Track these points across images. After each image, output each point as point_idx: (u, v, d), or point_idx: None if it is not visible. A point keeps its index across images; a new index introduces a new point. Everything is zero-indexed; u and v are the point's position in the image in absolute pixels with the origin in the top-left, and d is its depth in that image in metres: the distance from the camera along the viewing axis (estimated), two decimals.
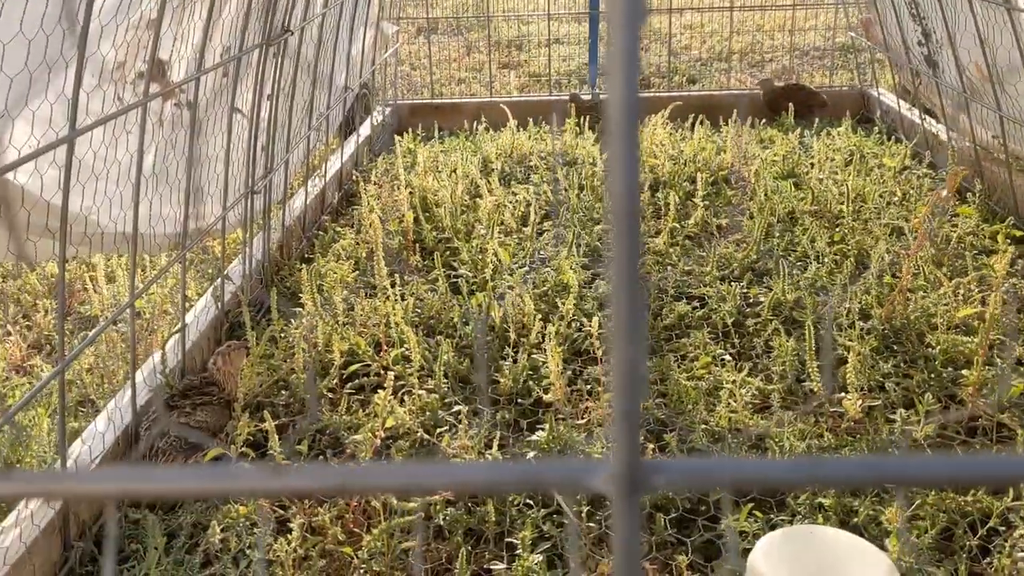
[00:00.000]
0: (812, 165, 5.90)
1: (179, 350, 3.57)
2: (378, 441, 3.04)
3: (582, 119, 7.05)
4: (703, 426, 3.26)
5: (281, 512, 2.97)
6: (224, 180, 3.91)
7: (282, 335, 3.92)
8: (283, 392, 3.59)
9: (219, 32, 3.53)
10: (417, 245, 5.04)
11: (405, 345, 3.68)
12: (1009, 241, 4.55)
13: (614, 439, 0.48)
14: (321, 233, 5.29)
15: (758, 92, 7.54)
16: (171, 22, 3.05)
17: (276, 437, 2.93)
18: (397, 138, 7.15)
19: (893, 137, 6.70)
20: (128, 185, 2.95)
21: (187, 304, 4.20)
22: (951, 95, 5.74)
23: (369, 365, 3.73)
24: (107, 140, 2.76)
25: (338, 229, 5.31)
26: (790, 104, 7.11)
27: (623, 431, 0.47)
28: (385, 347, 3.87)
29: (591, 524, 2.84)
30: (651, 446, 3.17)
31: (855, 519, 2.79)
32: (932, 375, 3.51)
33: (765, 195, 5.28)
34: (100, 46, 2.60)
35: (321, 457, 3.25)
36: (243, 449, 3.03)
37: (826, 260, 4.45)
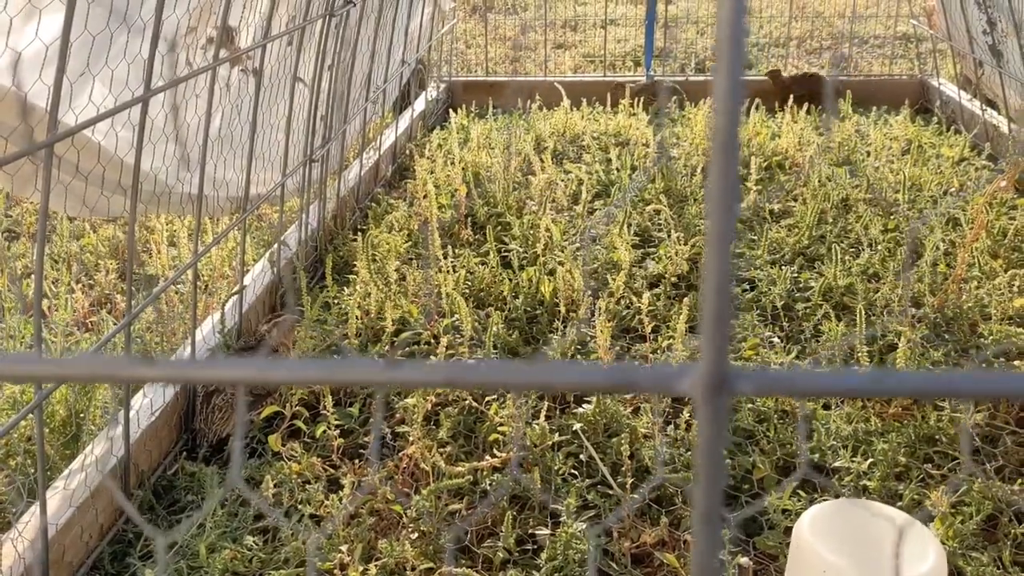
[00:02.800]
0: (868, 153, 5.84)
1: (236, 312, 3.66)
2: (428, 406, 3.11)
3: (635, 101, 7.05)
4: (749, 406, 3.28)
5: (332, 471, 3.05)
6: (284, 148, 3.99)
7: (335, 301, 4.00)
8: (335, 357, 3.67)
9: (285, 1, 3.60)
10: (469, 219, 5.09)
11: (456, 315, 3.74)
12: None
13: (703, 343, 0.52)
14: (374, 204, 5.37)
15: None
16: None
17: (329, 400, 3.01)
18: (452, 112, 7.21)
19: (952, 128, 6.60)
20: (196, 147, 3.03)
21: (244, 268, 4.30)
22: (1015, 86, 5.64)
23: (420, 333, 3.80)
24: (178, 102, 2.84)
25: (391, 201, 5.39)
26: (802, 94, 6.99)
27: (711, 335, 0.51)
28: (436, 317, 3.93)
29: (635, 495, 2.88)
30: (695, 423, 3.19)
31: (900, 503, 2.80)
32: (983, 364, 3.49)
33: (819, 181, 5.25)
34: (176, 9, 2.67)
35: (371, 420, 3.32)
36: (297, 408, 3.11)
37: (879, 247, 4.42)
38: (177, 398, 3.20)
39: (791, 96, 6.87)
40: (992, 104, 6.32)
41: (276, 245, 4.11)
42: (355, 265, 4.22)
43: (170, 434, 3.18)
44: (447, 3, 7.65)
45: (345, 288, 4.17)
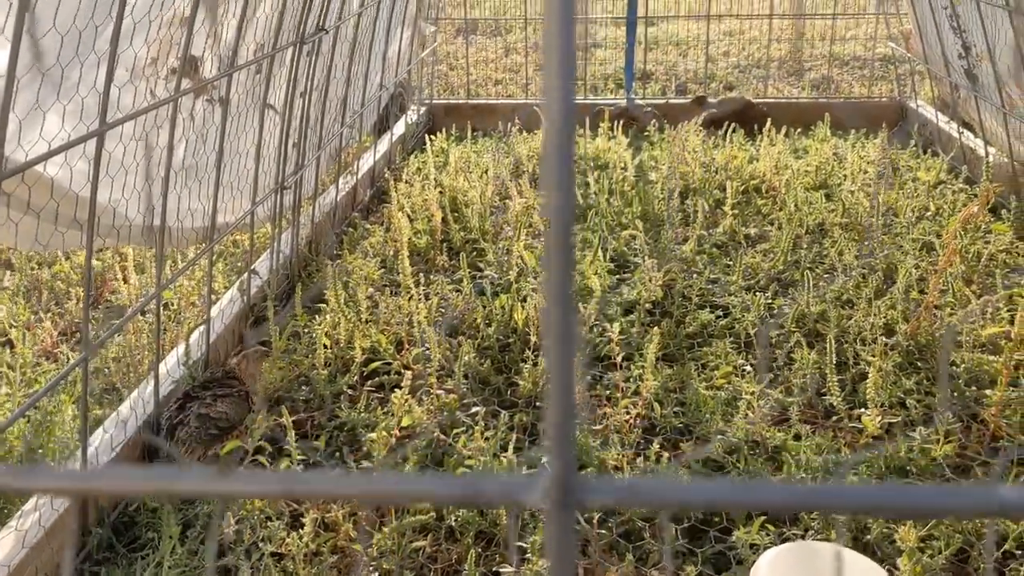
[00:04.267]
0: (845, 177, 5.84)
1: (203, 342, 3.62)
2: (393, 440, 3.07)
3: (615, 124, 7.05)
4: (720, 436, 3.25)
5: (296, 507, 3.00)
6: (254, 175, 3.96)
7: (305, 330, 3.96)
8: (303, 388, 3.63)
9: (253, 30, 3.58)
10: (445, 245, 5.07)
11: (426, 344, 3.71)
12: None
13: (549, 455, 0.49)
14: (351, 230, 5.34)
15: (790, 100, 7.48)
16: (204, 20, 3.10)
17: (293, 432, 2.97)
18: (430, 137, 7.20)
19: (930, 150, 6.62)
20: (157, 179, 3.00)
21: (214, 297, 4.26)
22: (991, 109, 5.66)
23: (390, 363, 3.76)
24: (137, 135, 2.81)
25: (368, 226, 5.36)
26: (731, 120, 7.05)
27: (558, 445, 0.48)
28: (407, 346, 3.89)
29: (601, 531, 2.84)
30: (667, 455, 3.16)
31: (868, 536, 2.77)
32: (955, 393, 3.47)
33: (795, 206, 5.24)
34: (133, 42, 2.65)
35: (338, 454, 3.28)
36: (260, 443, 3.07)
37: (853, 273, 4.41)
38: (140, 433, 3.15)
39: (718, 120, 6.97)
40: (969, 127, 6.34)
41: (246, 274, 4.07)
42: (333, 289, 4.18)
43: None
44: (427, 27, 7.65)
45: (317, 316, 4.13)
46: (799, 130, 6.97)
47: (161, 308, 3.27)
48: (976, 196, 5.41)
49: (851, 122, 7.26)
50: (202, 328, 3.64)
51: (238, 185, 3.87)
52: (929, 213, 5.27)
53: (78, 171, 2.60)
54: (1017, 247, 4.81)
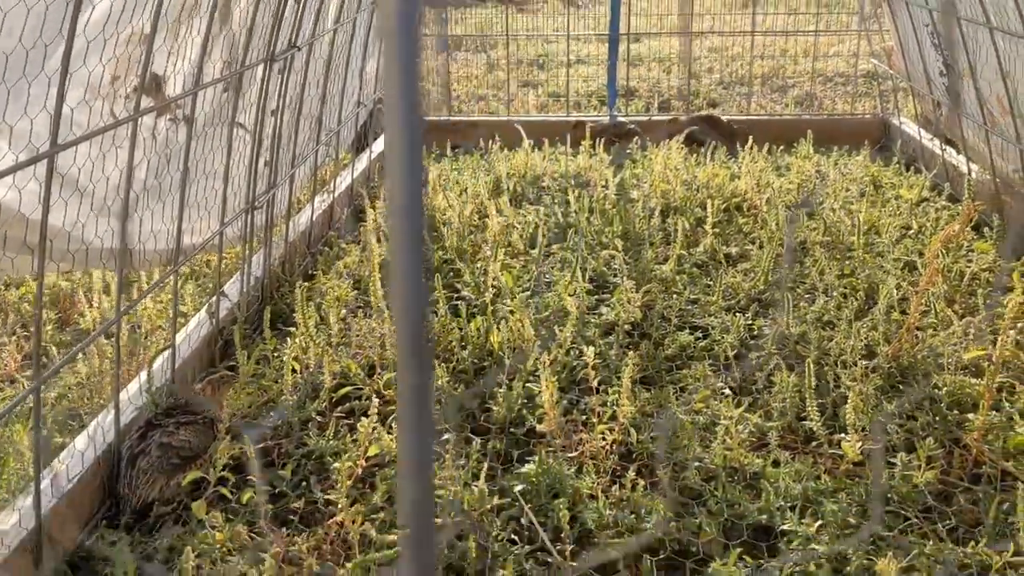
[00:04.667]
0: (827, 195, 5.79)
1: (168, 368, 3.52)
2: (359, 470, 2.97)
3: (597, 141, 6.98)
4: (697, 463, 3.16)
5: (260, 539, 2.90)
6: (223, 195, 3.88)
7: (275, 354, 3.87)
8: (271, 414, 3.53)
9: (220, 47, 3.50)
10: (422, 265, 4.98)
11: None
12: None
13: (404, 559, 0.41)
14: (327, 249, 5.25)
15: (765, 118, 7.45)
16: (166, 37, 3.02)
17: (259, 461, 2.87)
18: None
19: (912, 167, 6.58)
20: (117, 200, 2.91)
21: (183, 319, 4.17)
22: (973, 127, 5.62)
23: (361, 388, 3.67)
24: (94, 155, 2.72)
25: (343, 245, 5.27)
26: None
27: (414, 548, 0.40)
28: (379, 369, 3.80)
29: (574, 563, 2.75)
30: (642, 482, 3.08)
31: (848, 567, 2.69)
32: (937, 417, 3.40)
33: (777, 224, 5.18)
34: (87, 61, 2.57)
35: (304, 483, 3.18)
36: (222, 473, 2.97)
37: (835, 294, 4.34)
38: (99, 463, 3.05)
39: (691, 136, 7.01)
40: (952, 144, 6.31)
41: (215, 296, 3.98)
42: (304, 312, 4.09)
43: (91, 500, 3.02)
44: None
45: (288, 339, 4.04)
46: (781, 147, 6.92)
47: (121, 334, 3.17)
48: (959, 214, 5.36)
49: (834, 139, 7.22)
50: (168, 353, 3.54)
51: (206, 205, 3.78)
52: (912, 231, 5.22)
53: (30, 192, 2.51)
54: (1000, 265, 4.76)
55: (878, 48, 7.82)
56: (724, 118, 7.42)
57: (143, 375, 3.36)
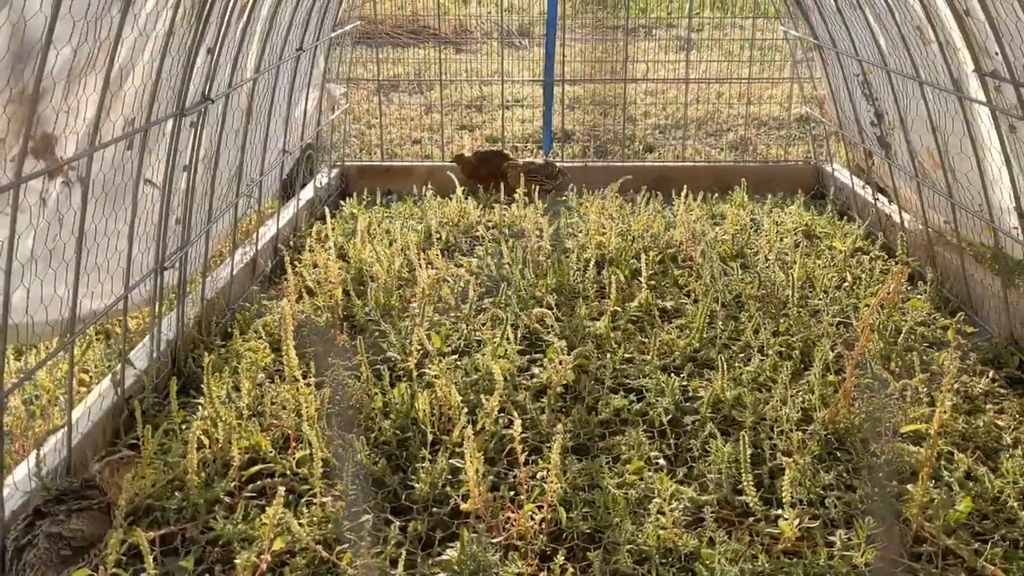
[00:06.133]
0: (760, 247, 5.73)
1: (64, 447, 3.25)
2: (263, 565, 2.75)
3: (532, 187, 6.86)
4: (629, 545, 2.99)
5: None
6: (128, 256, 3.64)
7: (183, 427, 3.62)
8: (176, 494, 3.28)
9: (121, 103, 3.29)
10: (346, 323, 4.77)
11: (313, 446, 3.39)
12: (960, 338, 4.39)
13: None
14: (247, 305, 5.00)
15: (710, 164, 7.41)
16: (53, 96, 2.80)
17: (151, 558, 2.62)
18: (341, 201, 6.95)
19: (846, 216, 6.58)
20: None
21: (84, 389, 3.90)
22: (904, 177, 5.62)
23: (273, 466, 3.44)
24: None
25: (265, 302, 5.03)
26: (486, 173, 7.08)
27: None
28: (294, 443, 3.58)
29: None
30: (571, 569, 2.90)
31: None
32: (876, 488, 3.29)
33: (712, 277, 5.09)
34: None
35: (208, 575, 2.94)
36: (114, 571, 2.72)
37: (770, 353, 4.24)
38: None
39: (479, 176, 7.12)
40: (884, 192, 6.31)
41: (120, 364, 3.72)
42: (215, 380, 3.84)
43: None
44: (337, 89, 7.42)
45: (200, 410, 3.78)
46: (716, 194, 6.88)
47: (6, 413, 2.91)
48: (894, 264, 5.33)
49: (768, 186, 7.21)
50: (64, 431, 3.28)
51: (108, 268, 3.54)
52: (846, 284, 5.16)
53: None
54: (935, 319, 4.72)
55: (810, 95, 7.86)
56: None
57: (32, 458, 3.10)
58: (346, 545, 2.99)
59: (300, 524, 2.98)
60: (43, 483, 3.07)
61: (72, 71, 2.84)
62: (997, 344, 4.32)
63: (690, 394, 4.03)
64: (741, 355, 4.34)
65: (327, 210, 6.16)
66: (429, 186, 6.94)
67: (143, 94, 3.39)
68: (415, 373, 3.98)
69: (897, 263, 5.15)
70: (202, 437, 3.47)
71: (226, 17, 4.05)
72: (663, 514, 3.06)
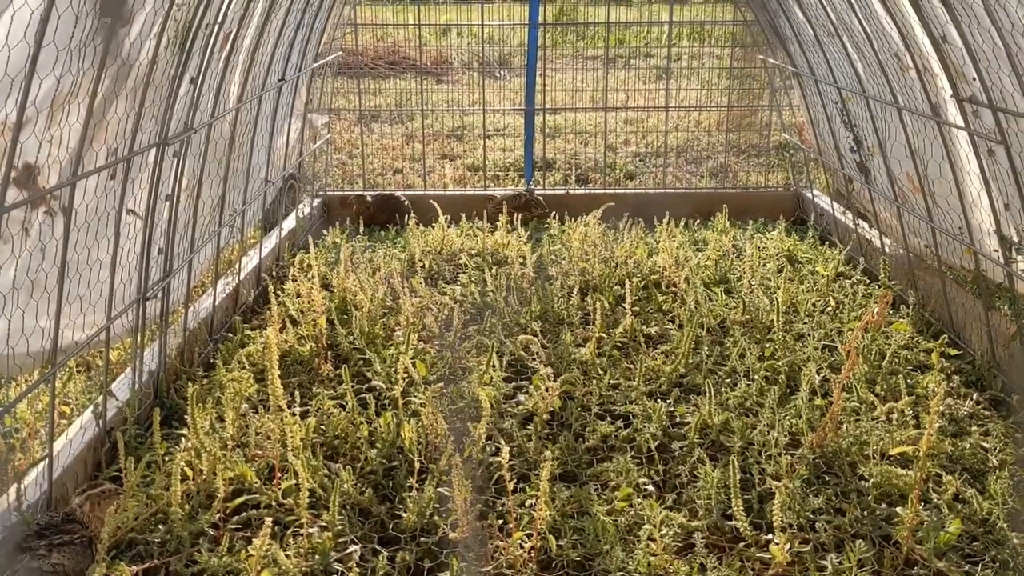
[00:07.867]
0: (743, 273, 5.75)
1: (45, 480, 3.20)
2: None
3: (515, 216, 6.88)
4: (619, 573, 2.97)
5: None
6: (110, 286, 3.60)
7: (166, 458, 3.57)
8: (160, 527, 3.23)
9: (104, 133, 3.27)
10: (330, 353, 4.74)
11: (299, 477, 3.35)
12: (943, 360, 4.41)
13: None
14: (230, 335, 4.96)
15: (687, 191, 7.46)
16: (35, 126, 2.78)
17: None
18: (324, 231, 6.93)
19: (827, 241, 6.62)
20: None
21: (66, 422, 3.85)
22: (884, 203, 5.67)
23: (259, 496, 3.39)
24: None
25: (248, 332, 4.99)
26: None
27: None
28: (279, 474, 3.53)
29: None
30: None
31: None
32: (865, 511, 3.28)
33: (696, 302, 5.10)
34: None
35: None
36: None
37: (756, 378, 4.24)
38: None
39: (374, 218, 7.34)
40: (864, 217, 6.37)
41: (102, 396, 3.67)
42: (199, 410, 3.79)
43: None
44: (319, 119, 7.43)
45: (183, 441, 3.74)
46: (698, 221, 6.92)
47: None
48: (877, 289, 5.37)
49: (749, 212, 7.26)
50: (44, 464, 3.22)
51: (90, 299, 3.50)
52: (830, 308, 5.19)
53: None
54: (918, 342, 4.74)
55: (789, 122, 7.94)
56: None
57: (12, 492, 3.04)
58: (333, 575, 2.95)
59: (287, 556, 2.94)
60: (24, 517, 3.01)
61: (55, 100, 2.82)
62: (980, 367, 4.35)
63: (677, 420, 4.02)
64: (727, 380, 4.34)
65: (310, 239, 6.13)
66: (413, 213, 6.94)
67: (126, 123, 3.38)
68: (401, 401, 3.95)
69: (880, 287, 5.19)
70: (186, 468, 3.42)
71: (209, 47, 4.06)
72: (653, 540, 3.04)
